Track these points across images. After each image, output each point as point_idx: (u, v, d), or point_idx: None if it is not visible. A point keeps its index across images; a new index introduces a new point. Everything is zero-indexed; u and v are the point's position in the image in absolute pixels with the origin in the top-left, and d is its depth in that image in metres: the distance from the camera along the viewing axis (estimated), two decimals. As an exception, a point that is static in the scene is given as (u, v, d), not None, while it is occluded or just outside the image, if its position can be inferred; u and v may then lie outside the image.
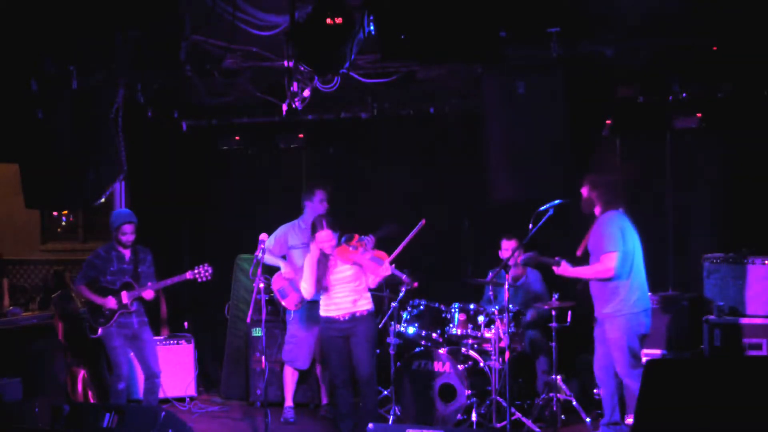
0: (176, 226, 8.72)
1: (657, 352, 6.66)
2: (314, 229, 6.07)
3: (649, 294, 6.12)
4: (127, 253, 6.72)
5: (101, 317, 6.59)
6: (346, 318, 6.09)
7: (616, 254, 5.80)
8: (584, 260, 6.10)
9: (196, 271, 6.63)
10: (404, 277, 6.34)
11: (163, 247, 7.79)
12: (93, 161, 6.53)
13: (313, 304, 7.12)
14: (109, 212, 8.42)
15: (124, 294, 6.58)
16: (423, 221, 6.15)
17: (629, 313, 5.83)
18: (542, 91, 5.91)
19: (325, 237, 6.03)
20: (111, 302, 6.57)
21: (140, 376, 6.97)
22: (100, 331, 6.60)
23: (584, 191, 6.06)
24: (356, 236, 6.16)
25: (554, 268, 6.10)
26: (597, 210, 6.01)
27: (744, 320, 6.46)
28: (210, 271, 6.65)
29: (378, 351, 6.41)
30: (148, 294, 6.64)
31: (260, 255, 6.19)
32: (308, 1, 5.42)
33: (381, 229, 7.07)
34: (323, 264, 6.09)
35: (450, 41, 5.49)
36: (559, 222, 6.05)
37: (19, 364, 6.74)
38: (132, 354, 6.79)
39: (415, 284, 6.58)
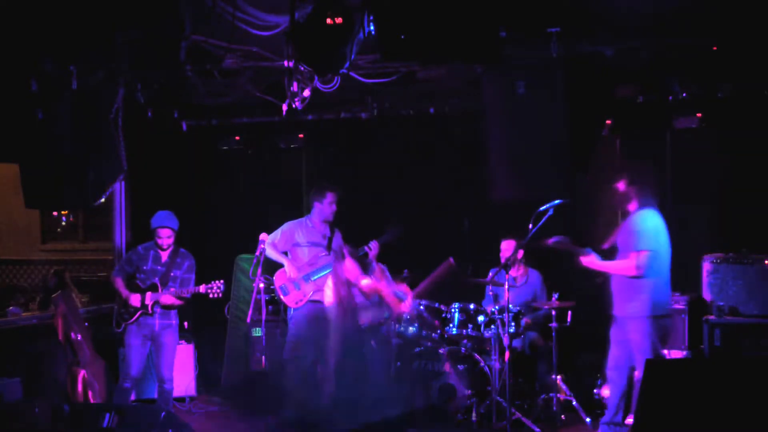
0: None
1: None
2: (337, 257, 6.06)
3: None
4: (164, 255, 6.71)
5: (126, 313, 6.64)
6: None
7: (648, 253, 5.72)
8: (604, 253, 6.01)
9: (208, 286, 6.58)
10: (426, 314, 6.39)
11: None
12: (93, 161, 6.53)
13: (315, 303, 7.13)
14: (109, 212, 8.49)
15: (148, 295, 6.60)
16: (450, 260, 6.17)
17: (652, 315, 5.73)
18: (542, 91, 5.92)
19: (349, 267, 6.03)
20: (135, 300, 6.60)
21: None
22: (122, 326, 6.64)
23: (620, 186, 5.96)
24: (379, 267, 6.15)
25: (581, 257, 5.96)
26: (632, 206, 5.91)
27: (744, 320, 6.46)
28: (222, 289, 6.60)
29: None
30: (166, 299, 6.60)
31: (260, 254, 6.19)
32: (308, 1, 5.42)
33: (385, 234, 7.08)
34: (346, 289, 6.10)
35: (450, 41, 5.48)
36: (560, 221, 6.04)
37: (19, 364, 6.74)
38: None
39: (437, 322, 6.61)
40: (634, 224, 5.84)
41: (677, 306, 6.53)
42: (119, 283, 6.71)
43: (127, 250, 8.05)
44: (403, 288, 6.14)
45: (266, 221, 7.37)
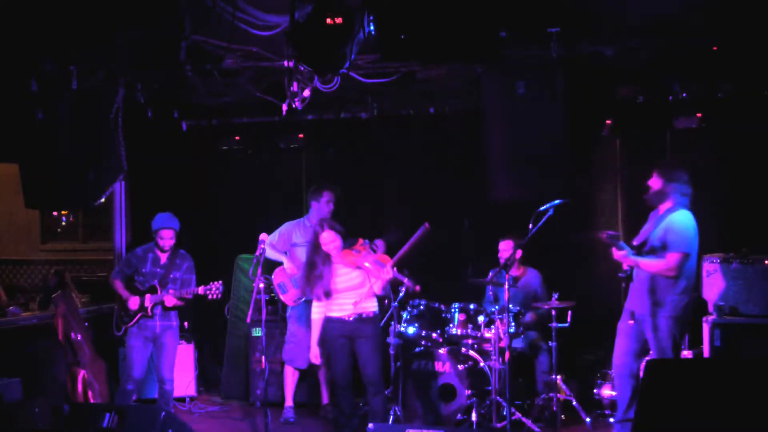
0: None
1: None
2: (317, 232, 6.08)
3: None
4: (164, 256, 6.70)
5: (126, 316, 6.65)
6: (353, 318, 6.06)
7: (685, 255, 5.66)
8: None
9: (207, 287, 6.56)
10: (406, 280, 6.32)
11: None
12: (93, 161, 6.54)
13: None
14: (109, 212, 8.50)
15: (147, 297, 6.60)
16: (426, 225, 6.10)
17: (678, 315, 5.70)
18: (542, 91, 5.92)
19: (329, 238, 6.02)
20: (134, 303, 6.61)
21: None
22: (122, 328, 6.66)
23: (656, 183, 5.82)
24: (360, 240, 6.15)
25: (614, 251, 5.81)
26: (667, 204, 5.79)
27: (744, 320, 6.46)
28: (221, 290, 6.58)
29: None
30: (169, 300, 6.59)
31: (260, 255, 6.20)
32: (308, 1, 5.42)
33: (389, 233, 7.07)
34: (320, 263, 6.08)
35: (450, 41, 5.49)
36: (559, 221, 6.02)
37: (19, 364, 6.73)
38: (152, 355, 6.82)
39: (418, 288, 6.57)
40: (673, 224, 5.71)
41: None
42: (118, 286, 6.71)
43: (127, 250, 8.06)
44: (383, 258, 6.12)
45: (266, 221, 7.38)
